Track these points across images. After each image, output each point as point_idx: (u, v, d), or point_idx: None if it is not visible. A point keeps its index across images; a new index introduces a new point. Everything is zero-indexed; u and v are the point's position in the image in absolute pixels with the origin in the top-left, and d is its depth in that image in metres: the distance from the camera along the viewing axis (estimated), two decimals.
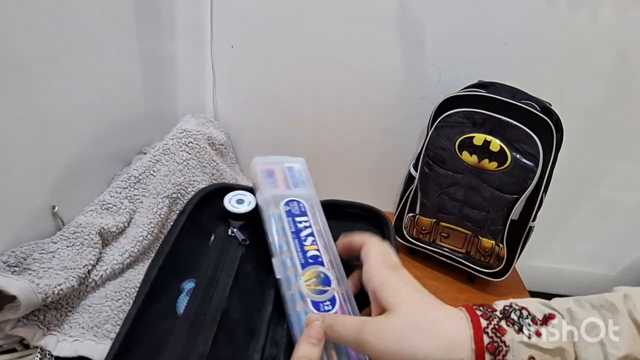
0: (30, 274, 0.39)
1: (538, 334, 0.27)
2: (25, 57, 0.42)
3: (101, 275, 0.45)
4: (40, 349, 0.38)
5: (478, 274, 0.66)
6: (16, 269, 0.40)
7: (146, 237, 0.52)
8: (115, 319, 0.42)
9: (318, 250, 0.40)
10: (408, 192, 0.70)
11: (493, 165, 0.59)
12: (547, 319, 0.27)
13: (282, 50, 0.70)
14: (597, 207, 0.83)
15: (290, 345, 0.36)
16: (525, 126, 0.57)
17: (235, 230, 0.45)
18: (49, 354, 0.38)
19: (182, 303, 0.39)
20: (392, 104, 0.73)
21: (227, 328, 0.37)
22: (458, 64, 0.68)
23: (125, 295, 0.45)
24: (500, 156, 0.58)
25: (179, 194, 0.58)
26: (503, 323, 0.27)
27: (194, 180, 0.60)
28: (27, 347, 0.40)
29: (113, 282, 0.47)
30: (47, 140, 0.47)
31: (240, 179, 0.76)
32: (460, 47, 0.67)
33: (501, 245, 0.63)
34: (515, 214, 0.61)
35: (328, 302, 0.37)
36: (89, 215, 0.50)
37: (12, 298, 0.36)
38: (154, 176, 0.57)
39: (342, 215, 0.51)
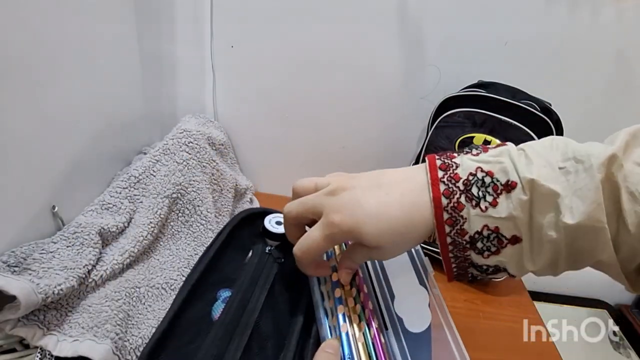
0: (30, 274, 0.39)
1: (494, 204, 0.29)
2: (25, 57, 0.42)
3: (101, 275, 0.45)
4: (40, 349, 0.38)
5: None
6: (16, 269, 0.40)
7: (146, 237, 0.52)
8: (115, 319, 0.42)
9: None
10: None
11: None
12: (509, 187, 0.28)
13: (282, 51, 0.70)
14: None
15: None
16: (525, 126, 0.57)
17: (271, 248, 0.49)
18: (49, 354, 0.38)
19: (218, 310, 0.41)
20: (392, 104, 0.73)
21: (258, 338, 0.39)
22: (458, 64, 0.68)
23: (125, 295, 0.45)
24: None
25: (179, 194, 0.58)
26: (463, 199, 0.29)
27: (194, 180, 0.60)
28: (27, 347, 0.40)
29: (113, 282, 0.47)
30: (47, 140, 0.47)
31: (240, 179, 0.76)
32: (460, 47, 0.67)
33: None
34: None
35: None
36: (89, 215, 0.50)
37: (12, 298, 0.36)
38: (154, 176, 0.57)
39: None
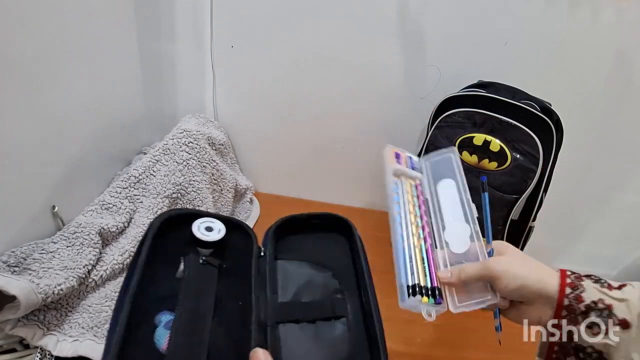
0: (30, 274, 0.39)
1: (610, 289, 0.35)
2: (26, 58, 0.42)
3: (101, 275, 0.45)
4: (40, 349, 0.38)
5: None
6: (16, 269, 0.40)
7: None
8: None
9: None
10: None
11: (493, 165, 0.59)
12: (621, 286, 0.35)
13: (281, 51, 0.70)
14: (597, 207, 0.83)
15: None
16: (525, 126, 0.57)
17: (205, 257, 0.43)
18: (49, 354, 0.38)
19: (163, 338, 0.36)
20: (392, 103, 0.73)
21: (217, 356, 0.36)
22: (458, 64, 0.68)
23: None
24: (500, 156, 0.58)
25: (179, 194, 0.58)
26: (582, 276, 0.36)
27: (194, 180, 0.60)
28: (27, 347, 0.40)
29: (113, 282, 0.47)
30: (47, 140, 0.47)
31: (240, 179, 0.76)
32: (460, 47, 0.67)
33: None
34: (515, 214, 0.61)
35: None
36: (89, 215, 0.50)
37: (12, 298, 0.36)
38: (154, 176, 0.57)
39: (307, 227, 0.49)
